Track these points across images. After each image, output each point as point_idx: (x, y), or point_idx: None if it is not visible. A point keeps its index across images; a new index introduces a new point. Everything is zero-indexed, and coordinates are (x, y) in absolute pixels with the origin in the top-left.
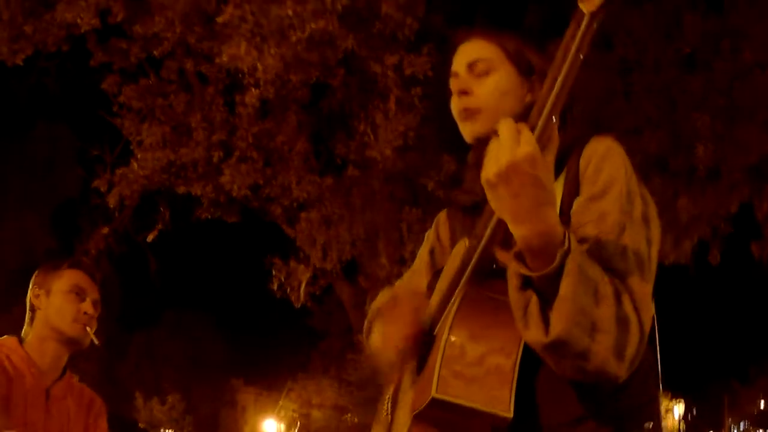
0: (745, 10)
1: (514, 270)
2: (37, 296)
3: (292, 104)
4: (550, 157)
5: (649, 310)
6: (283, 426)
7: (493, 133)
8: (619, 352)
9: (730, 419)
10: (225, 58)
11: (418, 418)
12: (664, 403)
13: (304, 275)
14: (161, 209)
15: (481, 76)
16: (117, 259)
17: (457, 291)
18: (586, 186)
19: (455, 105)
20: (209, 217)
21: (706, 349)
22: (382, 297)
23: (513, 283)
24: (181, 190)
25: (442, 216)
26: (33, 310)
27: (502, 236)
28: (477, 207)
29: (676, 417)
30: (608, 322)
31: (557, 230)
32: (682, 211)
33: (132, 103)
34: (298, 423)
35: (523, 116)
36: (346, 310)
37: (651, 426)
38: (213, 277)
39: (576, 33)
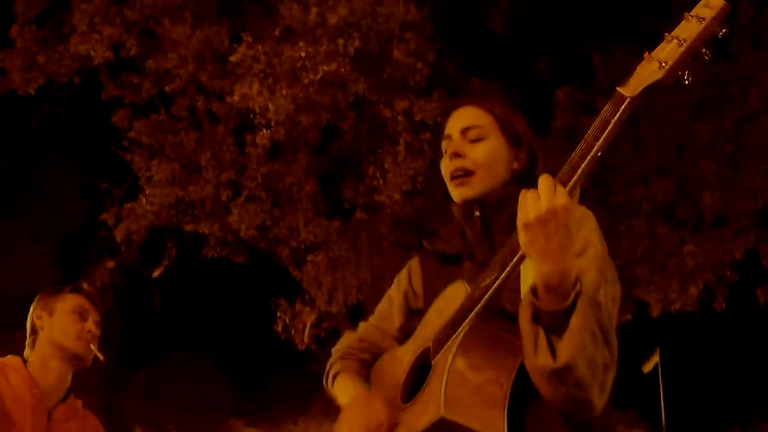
0: (751, 55)
1: (528, 303)
2: (39, 317)
3: (302, 146)
4: (578, 212)
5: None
6: None
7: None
8: (602, 388)
9: None
10: (236, 98)
11: None
12: None
13: (309, 318)
14: (168, 245)
15: (474, 141)
16: (121, 294)
17: (463, 325)
18: None
19: (447, 165)
20: (216, 255)
21: (709, 396)
22: (346, 339)
23: (526, 315)
24: (189, 227)
25: (414, 263)
26: (35, 332)
27: (511, 284)
28: (455, 258)
29: None
30: (600, 360)
31: (573, 272)
32: (688, 257)
33: (142, 139)
34: None
35: (510, 182)
36: None
37: None
38: (217, 316)
39: (615, 114)
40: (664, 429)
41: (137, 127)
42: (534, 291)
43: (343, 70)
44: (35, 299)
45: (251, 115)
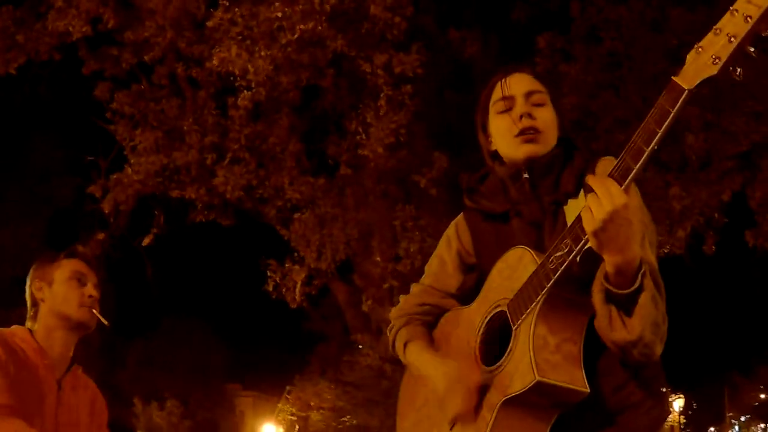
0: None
1: (601, 287)
2: (39, 289)
3: (283, 106)
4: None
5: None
6: (281, 430)
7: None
8: (662, 339)
9: (730, 413)
10: (216, 62)
11: (511, 402)
12: None
13: (299, 276)
14: (156, 213)
15: (538, 105)
16: (113, 265)
17: (541, 294)
18: None
19: (510, 123)
20: (203, 220)
21: (705, 342)
22: (406, 304)
23: (599, 297)
24: (175, 193)
25: (460, 221)
26: (36, 304)
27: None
28: (501, 216)
29: (677, 411)
30: (662, 319)
31: (638, 258)
32: (674, 200)
33: (124, 109)
34: (297, 426)
35: (556, 146)
36: (342, 309)
37: (664, 390)
38: (208, 280)
39: (675, 105)
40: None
41: (119, 98)
42: (606, 277)
43: (320, 28)
44: (31, 270)
45: (231, 78)
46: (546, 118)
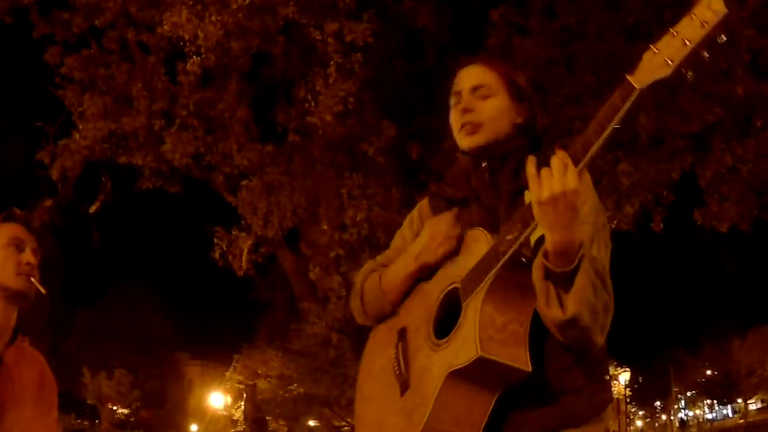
0: None
1: (540, 264)
2: None
3: (233, 72)
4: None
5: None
6: (229, 398)
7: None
8: (602, 329)
9: (676, 388)
10: (166, 27)
11: (456, 375)
12: (610, 371)
13: (245, 243)
14: (103, 180)
15: (483, 98)
16: (60, 232)
17: (490, 274)
18: None
19: (456, 119)
20: (151, 187)
21: (652, 318)
22: (368, 265)
23: (539, 274)
24: (123, 160)
25: (424, 204)
26: None
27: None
28: (462, 201)
29: (623, 384)
30: (601, 306)
31: (578, 240)
32: (623, 176)
33: (74, 74)
34: (244, 394)
35: (514, 135)
36: (289, 277)
37: (608, 378)
38: (156, 248)
39: (625, 102)
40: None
41: (69, 63)
42: (545, 254)
43: None
44: None
45: (181, 44)
46: (488, 109)
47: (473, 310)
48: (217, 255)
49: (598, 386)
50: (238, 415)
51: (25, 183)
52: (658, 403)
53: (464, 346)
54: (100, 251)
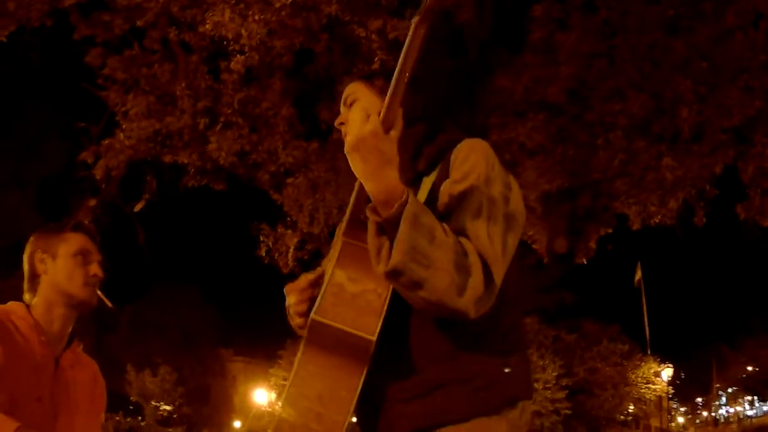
0: None
1: (370, 218)
2: (41, 261)
3: (276, 70)
4: (394, 134)
5: (501, 268)
6: (273, 394)
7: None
8: (459, 290)
9: (717, 384)
10: (209, 26)
11: (308, 344)
12: (653, 368)
13: (291, 240)
14: (148, 179)
15: (350, 105)
16: (105, 231)
17: (335, 242)
18: (453, 173)
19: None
20: (196, 185)
21: (694, 313)
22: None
23: (371, 230)
24: (168, 159)
25: None
26: (36, 276)
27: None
28: None
29: (665, 380)
30: (445, 263)
31: (397, 187)
32: (666, 171)
33: (116, 75)
34: None
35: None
36: None
37: (506, 370)
38: (201, 245)
39: (408, 38)
40: (648, 344)
41: (111, 64)
42: (373, 208)
43: None
44: (32, 238)
45: (225, 43)
46: (353, 113)
47: (326, 279)
48: (262, 252)
49: (488, 378)
50: None
51: (67, 183)
52: (699, 400)
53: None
54: (145, 249)
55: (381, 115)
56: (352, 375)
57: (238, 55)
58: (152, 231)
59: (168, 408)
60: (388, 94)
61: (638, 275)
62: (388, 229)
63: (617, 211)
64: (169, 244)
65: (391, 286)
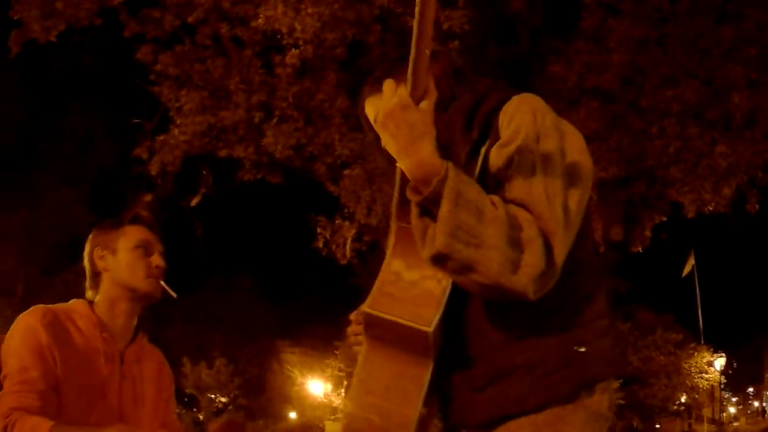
0: None
1: (411, 199)
2: (101, 258)
3: (329, 63)
4: (426, 105)
5: (564, 236)
6: (329, 386)
7: None
8: (515, 269)
9: None
10: (261, 21)
11: (371, 339)
12: (705, 357)
13: (349, 232)
14: (203, 173)
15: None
16: (161, 226)
17: (390, 225)
18: (501, 137)
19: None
20: (252, 179)
21: (746, 301)
22: None
23: (413, 212)
24: (223, 153)
25: None
26: (97, 273)
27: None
28: None
29: (718, 370)
30: (496, 240)
31: (434, 162)
32: (719, 158)
33: (169, 71)
34: (345, 382)
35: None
36: None
37: (582, 349)
38: (257, 238)
39: (417, 11)
40: (701, 334)
41: (163, 60)
42: (413, 188)
43: None
44: (91, 236)
45: (278, 37)
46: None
47: (382, 268)
48: (320, 244)
49: (559, 360)
50: (338, 402)
51: (121, 179)
52: (750, 389)
53: None
54: (202, 243)
55: (408, 85)
56: (417, 367)
57: (293, 49)
58: (208, 225)
59: (224, 399)
60: (410, 63)
61: (691, 263)
62: (431, 208)
63: (672, 198)
64: (225, 238)
65: None
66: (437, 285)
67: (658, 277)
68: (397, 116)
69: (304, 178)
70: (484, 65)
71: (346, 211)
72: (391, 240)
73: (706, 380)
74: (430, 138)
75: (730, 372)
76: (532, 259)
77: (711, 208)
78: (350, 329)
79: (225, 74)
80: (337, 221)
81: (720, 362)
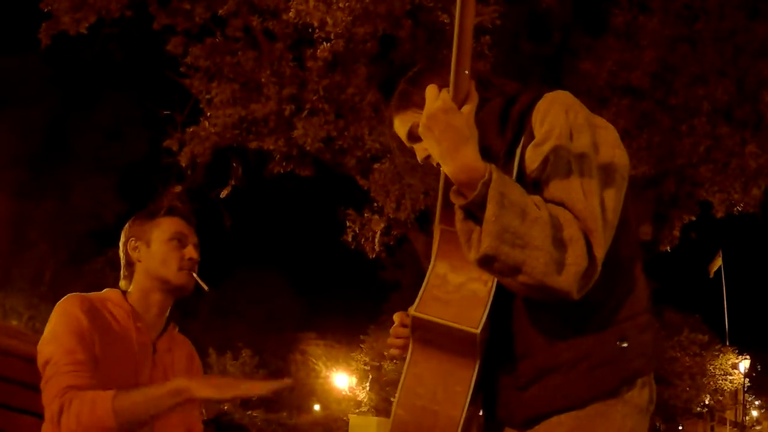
0: None
1: (455, 203)
2: (135, 249)
3: (360, 56)
4: (468, 108)
5: (603, 233)
6: (354, 379)
7: None
8: (558, 268)
9: None
10: (292, 14)
11: (419, 342)
12: (731, 359)
13: (378, 226)
14: (234, 165)
15: (419, 139)
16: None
17: (434, 229)
18: (535, 136)
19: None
20: (281, 171)
21: None
22: None
23: (458, 215)
24: (253, 145)
25: None
26: (131, 263)
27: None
28: None
29: (742, 372)
30: (541, 240)
31: (477, 165)
32: (749, 158)
33: (199, 63)
34: (370, 376)
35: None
36: (420, 259)
37: (622, 344)
38: (285, 231)
39: (457, 13)
40: (726, 335)
41: (194, 52)
42: (457, 192)
43: None
44: (126, 227)
45: (309, 30)
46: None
47: (428, 272)
48: (349, 237)
49: (603, 356)
50: (363, 396)
51: (150, 170)
52: None
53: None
54: (231, 234)
55: (450, 89)
56: (464, 368)
57: (324, 43)
58: (237, 217)
59: None
60: (452, 67)
61: (718, 263)
62: (476, 212)
63: (701, 198)
64: (253, 230)
65: None
66: (483, 287)
67: (686, 277)
68: (441, 120)
69: (333, 171)
70: (515, 61)
71: (375, 204)
72: (435, 244)
73: (730, 382)
74: (473, 142)
75: (754, 375)
76: (575, 258)
77: (740, 209)
78: (393, 330)
79: (256, 67)
80: (366, 215)
81: (744, 365)
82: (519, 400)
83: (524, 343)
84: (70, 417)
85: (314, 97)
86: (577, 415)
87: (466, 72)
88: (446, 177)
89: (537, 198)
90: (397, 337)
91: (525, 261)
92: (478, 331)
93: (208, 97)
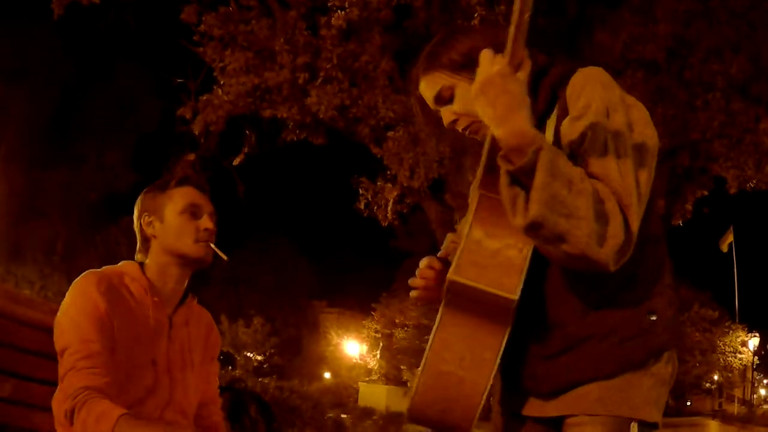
0: None
1: (502, 168)
2: (149, 224)
3: (375, 25)
4: (522, 75)
5: (638, 209)
6: (365, 346)
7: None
8: (599, 240)
9: None
10: None
11: (449, 307)
12: (740, 336)
13: (391, 194)
14: (247, 133)
15: (447, 102)
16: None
17: (471, 193)
18: (571, 110)
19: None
20: (295, 139)
21: None
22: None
23: (503, 180)
24: (267, 113)
25: None
26: (147, 239)
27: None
28: None
29: (751, 350)
30: (585, 211)
31: (529, 131)
32: (763, 135)
33: (213, 31)
34: (381, 343)
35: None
36: (433, 228)
37: (654, 318)
38: (299, 199)
39: None
40: (736, 312)
41: (207, 21)
42: (505, 156)
43: None
44: (138, 200)
45: None
46: (459, 107)
47: (463, 236)
48: (362, 205)
49: (633, 329)
50: (373, 363)
51: (164, 139)
52: None
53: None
54: (244, 202)
55: (506, 55)
56: (494, 335)
57: (338, 11)
58: (251, 185)
59: (259, 358)
60: (510, 32)
61: (729, 239)
62: (523, 178)
63: (715, 173)
64: (266, 198)
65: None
66: (518, 254)
67: (697, 252)
68: (497, 84)
69: (347, 139)
70: (530, 34)
71: (388, 173)
72: (472, 208)
73: (739, 360)
74: (526, 108)
75: (763, 353)
76: (615, 231)
77: (753, 185)
78: (419, 271)
79: (270, 35)
80: (379, 183)
81: (754, 342)
82: (547, 370)
83: (556, 313)
84: (78, 422)
85: (328, 66)
86: (606, 385)
87: (524, 37)
88: (492, 142)
89: (581, 169)
90: (422, 278)
91: (569, 230)
92: (516, 297)
93: (221, 65)
